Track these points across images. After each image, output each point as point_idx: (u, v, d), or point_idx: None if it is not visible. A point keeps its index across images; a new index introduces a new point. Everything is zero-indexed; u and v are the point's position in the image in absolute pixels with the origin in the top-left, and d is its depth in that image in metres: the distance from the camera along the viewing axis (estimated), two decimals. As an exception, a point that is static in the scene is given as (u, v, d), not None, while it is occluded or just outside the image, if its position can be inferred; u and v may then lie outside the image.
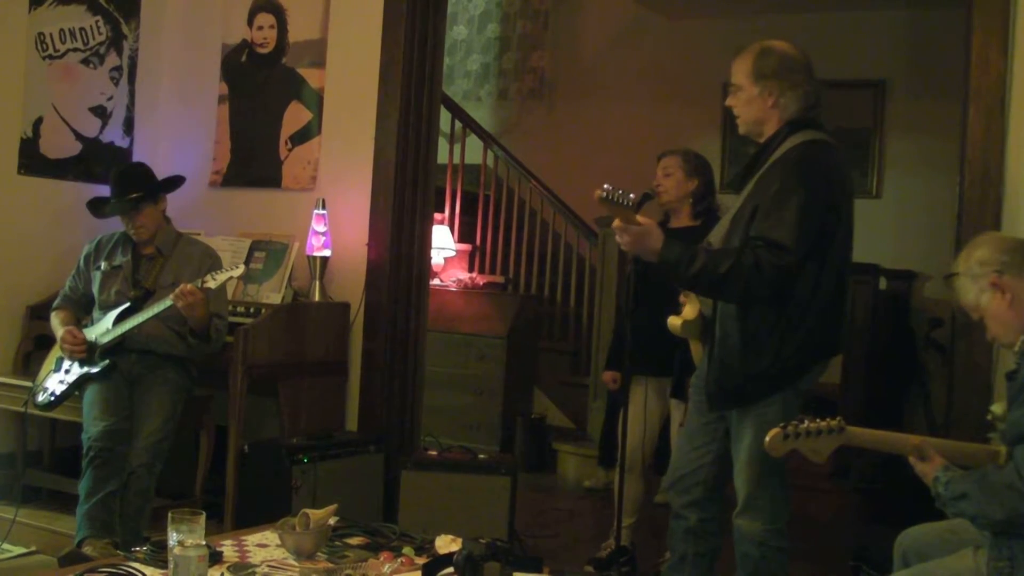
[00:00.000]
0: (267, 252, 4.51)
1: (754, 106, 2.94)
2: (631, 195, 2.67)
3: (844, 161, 2.94)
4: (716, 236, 2.98)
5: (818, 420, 2.41)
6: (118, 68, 4.92)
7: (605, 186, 2.63)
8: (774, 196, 2.77)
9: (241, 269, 3.81)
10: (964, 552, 2.42)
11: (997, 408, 2.52)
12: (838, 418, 2.42)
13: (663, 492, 4.95)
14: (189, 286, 3.63)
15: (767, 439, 2.39)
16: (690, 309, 3.04)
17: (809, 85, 2.93)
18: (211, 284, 3.67)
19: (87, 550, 3.48)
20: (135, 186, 3.95)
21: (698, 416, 3.07)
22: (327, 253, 4.43)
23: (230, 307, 4.13)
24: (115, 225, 4.14)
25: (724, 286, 2.74)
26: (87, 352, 3.87)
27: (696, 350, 3.11)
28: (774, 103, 2.91)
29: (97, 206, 4.10)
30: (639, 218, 2.74)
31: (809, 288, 2.78)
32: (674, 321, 3.08)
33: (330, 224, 4.43)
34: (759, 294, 2.75)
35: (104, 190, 4.23)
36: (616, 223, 2.75)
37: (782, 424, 2.39)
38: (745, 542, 2.89)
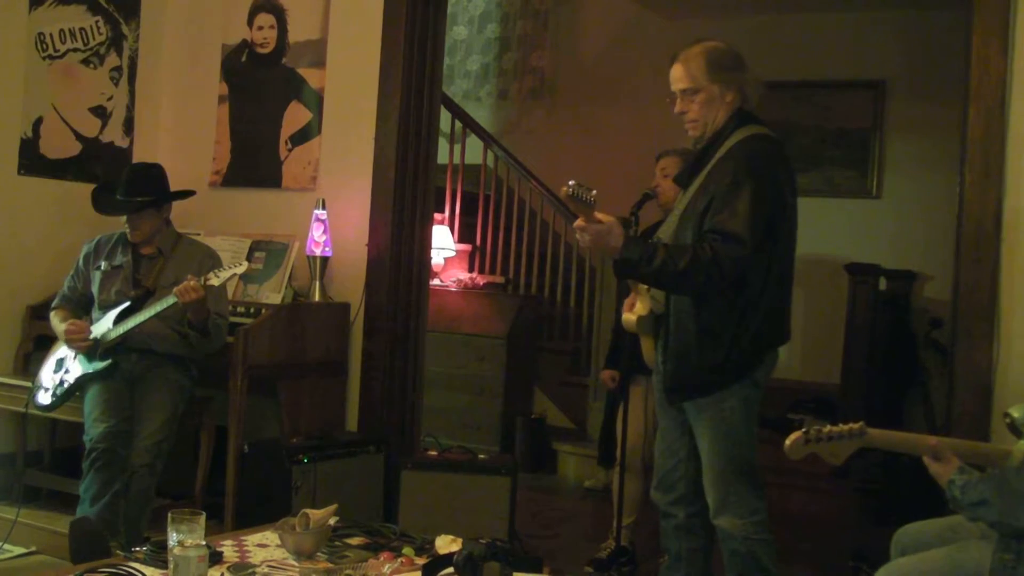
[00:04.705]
0: (267, 252, 4.51)
1: (714, 105, 2.93)
2: (593, 192, 2.69)
3: (788, 156, 2.97)
4: (665, 233, 3.01)
5: (840, 424, 2.42)
6: (118, 68, 4.92)
7: (570, 182, 2.64)
8: (726, 189, 2.80)
9: (244, 266, 3.82)
10: (967, 543, 2.42)
11: (1015, 411, 2.53)
12: (860, 422, 2.44)
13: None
14: (192, 281, 3.63)
15: (787, 443, 2.41)
16: (641, 305, 3.06)
17: (751, 76, 2.96)
18: (214, 281, 3.67)
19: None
20: (144, 190, 3.95)
21: (665, 414, 3.09)
22: (327, 253, 4.43)
23: (230, 307, 4.13)
24: (115, 225, 4.14)
25: (684, 280, 2.78)
26: (90, 348, 3.86)
27: (647, 347, 3.12)
28: (732, 98, 2.93)
29: (103, 198, 4.09)
30: (599, 216, 2.75)
31: (761, 278, 2.82)
32: (629, 317, 3.09)
33: (330, 224, 4.43)
34: (717, 286, 2.79)
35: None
36: (578, 222, 2.77)
37: (804, 429, 2.40)
38: (729, 541, 2.90)
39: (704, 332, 2.86)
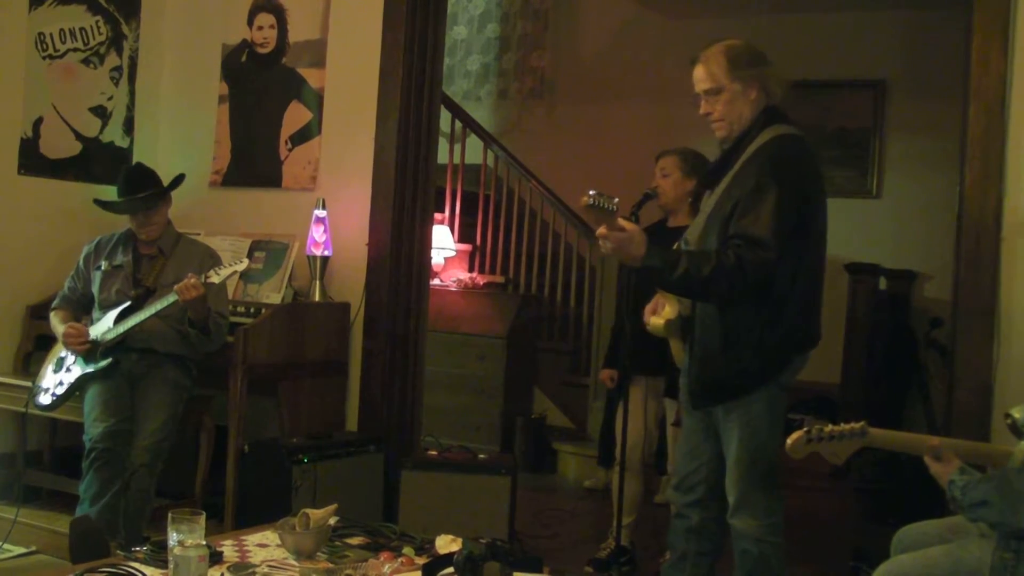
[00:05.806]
0: (267, 252, 4.51)
1: (738, 103, 2.91)
2: (615, 200, 2.66)
3: (816, 155, 2.95)
4: (692, 235, 2.98)
5: (842, 424, 2.42)
6: (118, 68, 4.92)
7: (591, 192, 2.61)
8: (751, 193, 2.77)
9: (245, 263, 3.83)
10: (968, 540, 2.42)
11: (1016, 412, 2.53)
12: (862, 422, 2.44)
13: (664, 492, 4.96)
14: (193, 279, 3.64)
15: (788, 442, 2.41)
16: (670, 309, 3.04)
17: (773, 72, 2.94)
18: (214, 279, 3.68)
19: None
20: (147, 185, 3.97)
21: (690, 416, 3.08)
22: (327, 253, 4.43)
23: (230, 307, 4.13)
24: (115, 225, 4.14)
25: (708, 288, 2.75)
26: (90, 349, 3.86)
27: (677, 350, 3.11)
28: (756, 95, 2.91)
29: (107, 206, 4.09)
30: (622, 222, 2.73)
31: (788, 282, 2.79)
32: (656, 321, 3.07)
33: (330, 224, 4.43)
34: (742, 292, 2.75)
35: (105, 190, 4.23)
36: (600, 230, 2.73)
37: (805, 428, 2.40)
38: (742, 540, 2.90)
39: (730, 337, 2.83)
